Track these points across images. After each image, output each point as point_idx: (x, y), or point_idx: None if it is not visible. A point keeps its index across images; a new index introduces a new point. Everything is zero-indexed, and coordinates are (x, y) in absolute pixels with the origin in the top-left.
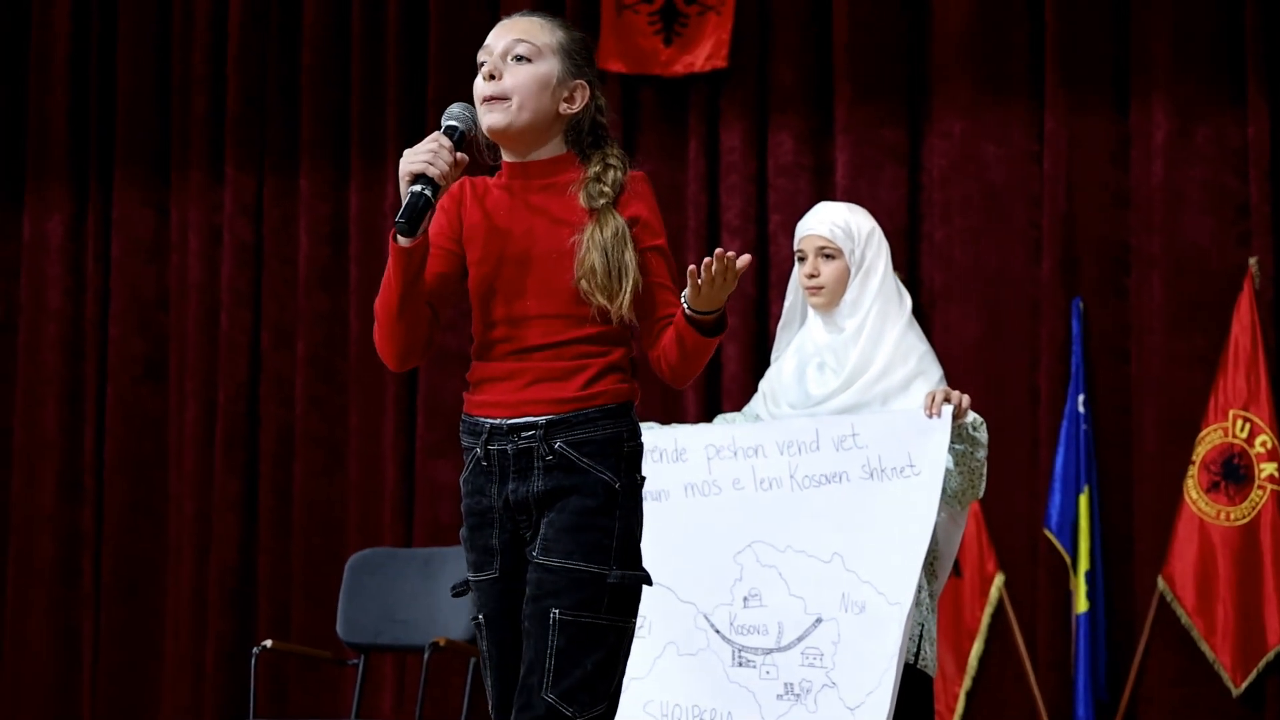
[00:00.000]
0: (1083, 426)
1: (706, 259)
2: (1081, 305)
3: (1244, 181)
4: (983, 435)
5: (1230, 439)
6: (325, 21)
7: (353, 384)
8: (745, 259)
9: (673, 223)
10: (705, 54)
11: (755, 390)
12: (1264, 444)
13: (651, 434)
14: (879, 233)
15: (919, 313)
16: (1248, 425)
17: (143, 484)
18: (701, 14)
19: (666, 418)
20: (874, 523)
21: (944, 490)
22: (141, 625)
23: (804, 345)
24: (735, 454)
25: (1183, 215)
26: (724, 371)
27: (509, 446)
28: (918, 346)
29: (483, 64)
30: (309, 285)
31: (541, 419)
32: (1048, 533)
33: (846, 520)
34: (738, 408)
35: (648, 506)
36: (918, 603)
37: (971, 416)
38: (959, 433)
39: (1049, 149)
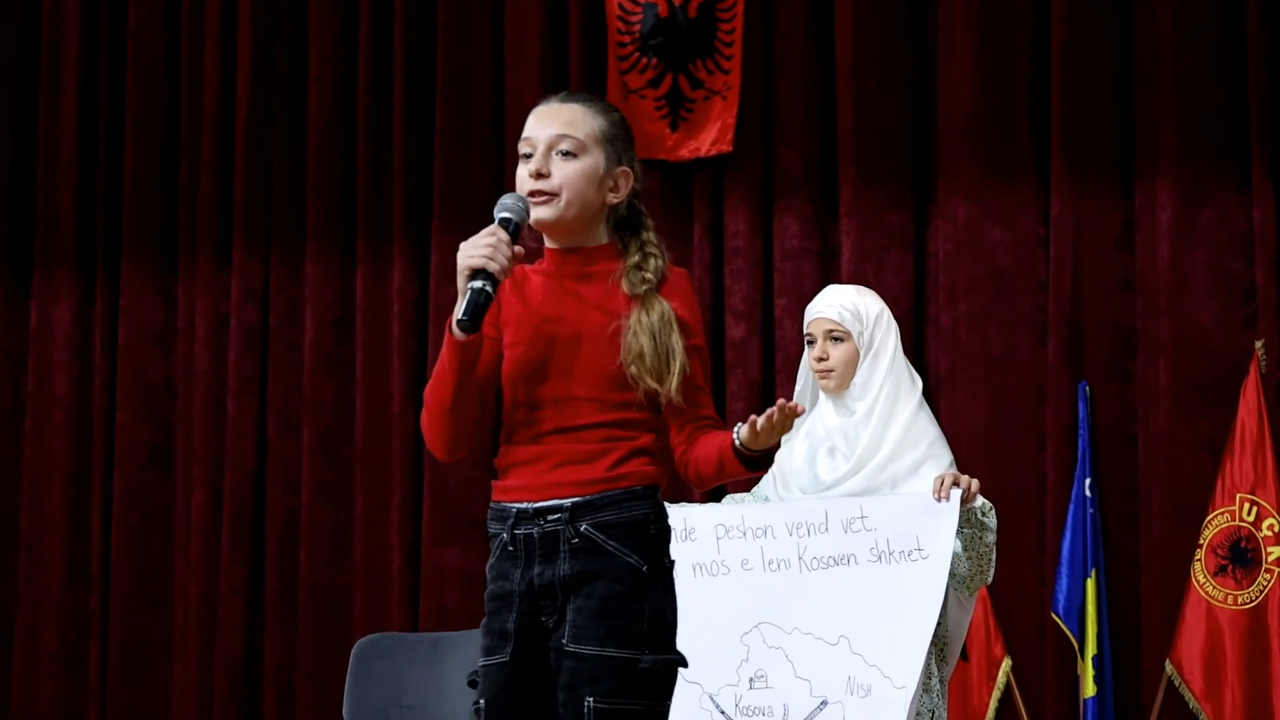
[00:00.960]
0: (1089, 510)
1: (770, 409)
2: (1088, 388)
3: (1249, 265)
4: (992, 520)
5: (1237, 522)
6: (331, 107)
7: (358, 470)
8: (801, 407)
9: None
10: (711, 139)
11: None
12: (1271, 527)
13: None
14: (888, 314)
15: (925, 397)
16: (1255, 508)
17: (149, 570)
18: (707, 99)
19: (675, 497)
20: (881, 605)
21: (953, 575)
22: (147, 711)
23: (814, 429)
24: (744, 534)
25: (1188, 298)
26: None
27: (535, 530)
28: (928, 431)
29: (526, 156)
30: (315, 371)
31: (568, 501)
32: (1055, 617)
33: (854, 603)
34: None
35: None
36: (928, 689)
37: (980, 501)
38: (968, 517)
39: (1054, 232)
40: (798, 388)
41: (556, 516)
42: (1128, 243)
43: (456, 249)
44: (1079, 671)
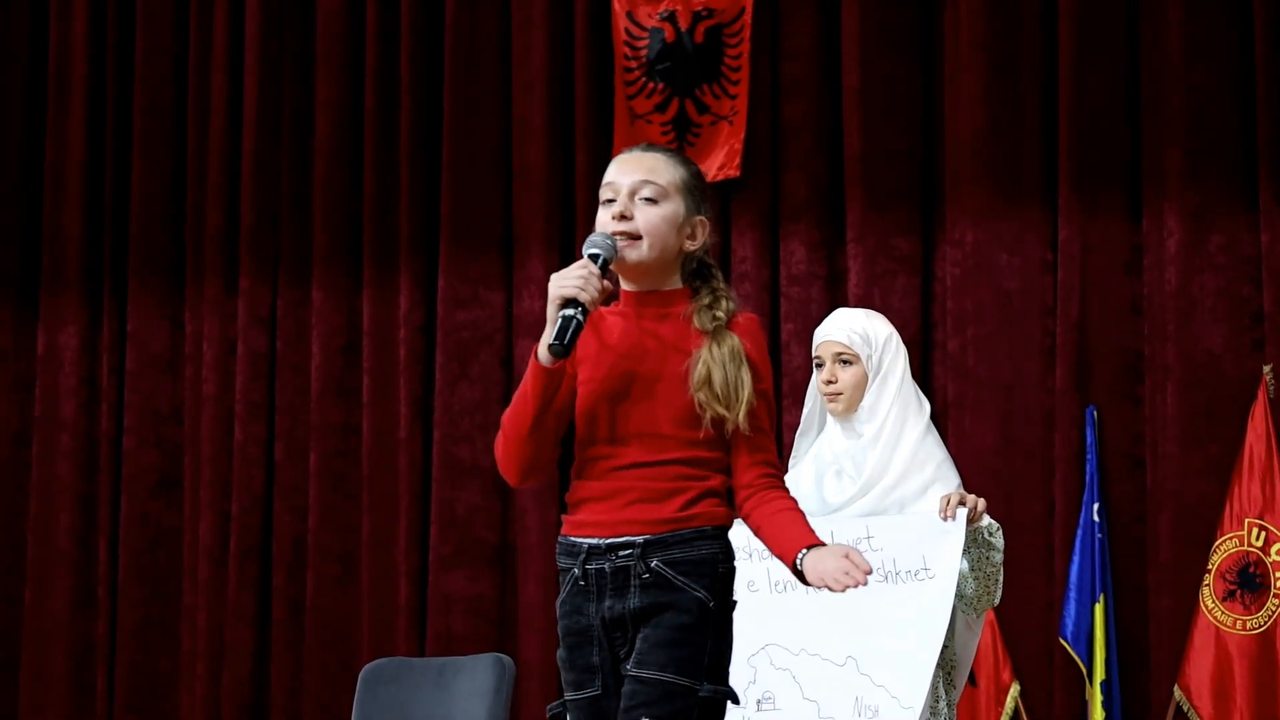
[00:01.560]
0: (1098, 535)
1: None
2: (1096, 413)
3: (1257, 289)
4: (998, 540)
5: (1246, 547)
6: (337, 133)
7: (365, 495)
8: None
9: None
10: (718, 163)
11: None
12: None
13: None
14: (896, 338)
15: (933, 420)
16: (1263, 533)
17: (156, 596)
18: (714, 124)
19: None
20: (888, 626)
21: (960, 596)
22: None
23: (822, 453)
24: (750, 556)
25: (1196, 323)
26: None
27: (606, 565)
28: (935, 453)
29: (609, 200)
30: (322, 396)
31: (639, 539)
32: (1063, 642)
33: (861, 623)
34: None
35: None
36: (935, 712)
37: (987, 520)
38: (974, 537)
39: (1062, 257)
40: (805, 410)
41: (628, 552)
42: (1135, 267)
43: (461, 275)
44: (1087, 697)
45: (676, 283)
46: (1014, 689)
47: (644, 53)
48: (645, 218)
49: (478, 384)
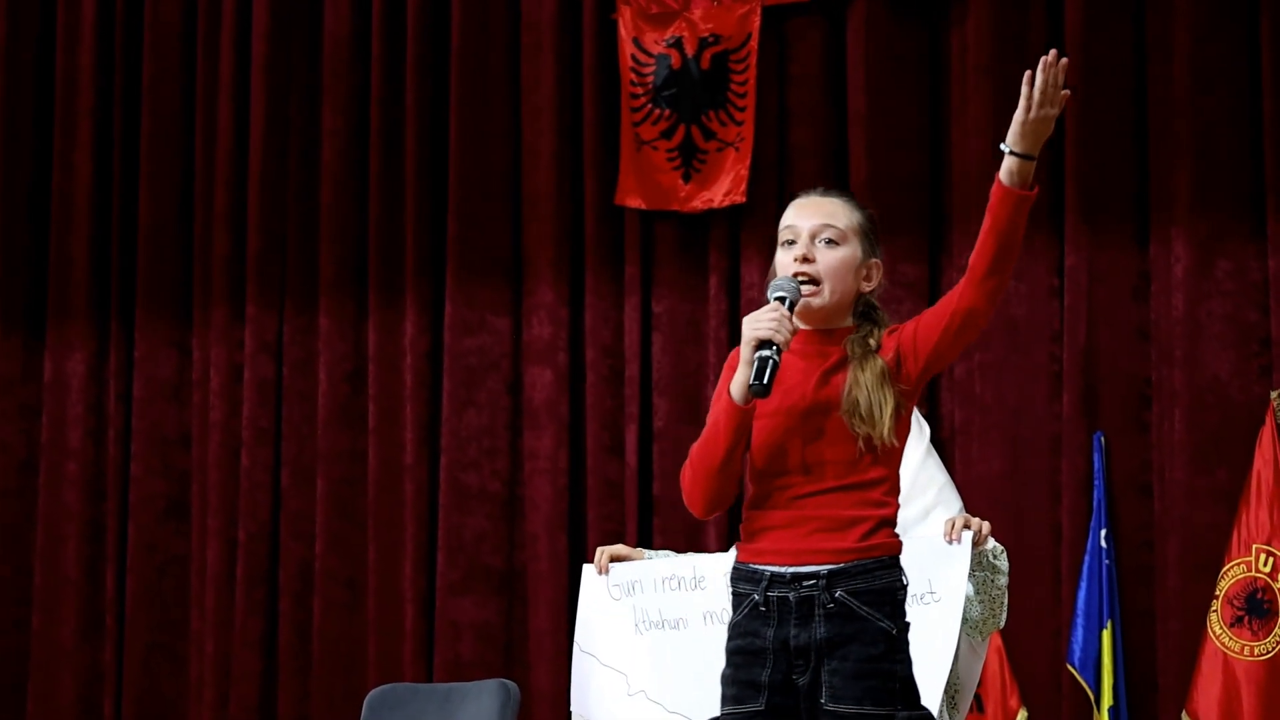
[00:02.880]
0: (1105, 561)
1: (1028, 72)
2: (1103, 439)
3: (1265, 315)
4: (1003, 563)
5: (1254, 573)
6: (344, 160)
7: (372, 521)
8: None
9: (693, 359)
10: (724, 190)
11: None
12: None
13: (669, 562)
14: None
15: (940, 448)
16: (1271, 559)
17: (164, 623)
18: (720, 150)
19: (687, 546)
20: None
21: (965, 619)
22: None
23: None
24: None
25: (1204, 349)
26: (742, 502)
27: (790, 594)
28: (937, 477)
29: (789, 242)
30: (328, 423)
31: (824, 569)
32: (1071, 668)
33: None
34: None
35: (665, 635)
36: None
37: (992, 544)
38: (980, 560)
39: (1069, 283)
40: None
41: (812, 582)
42: (1143, 293)
43: (468, 301)
44: None
45: (849, 321)
46: (1021, 715)
47: (650, 79)
48: (826, 261)
49: (485, 410)
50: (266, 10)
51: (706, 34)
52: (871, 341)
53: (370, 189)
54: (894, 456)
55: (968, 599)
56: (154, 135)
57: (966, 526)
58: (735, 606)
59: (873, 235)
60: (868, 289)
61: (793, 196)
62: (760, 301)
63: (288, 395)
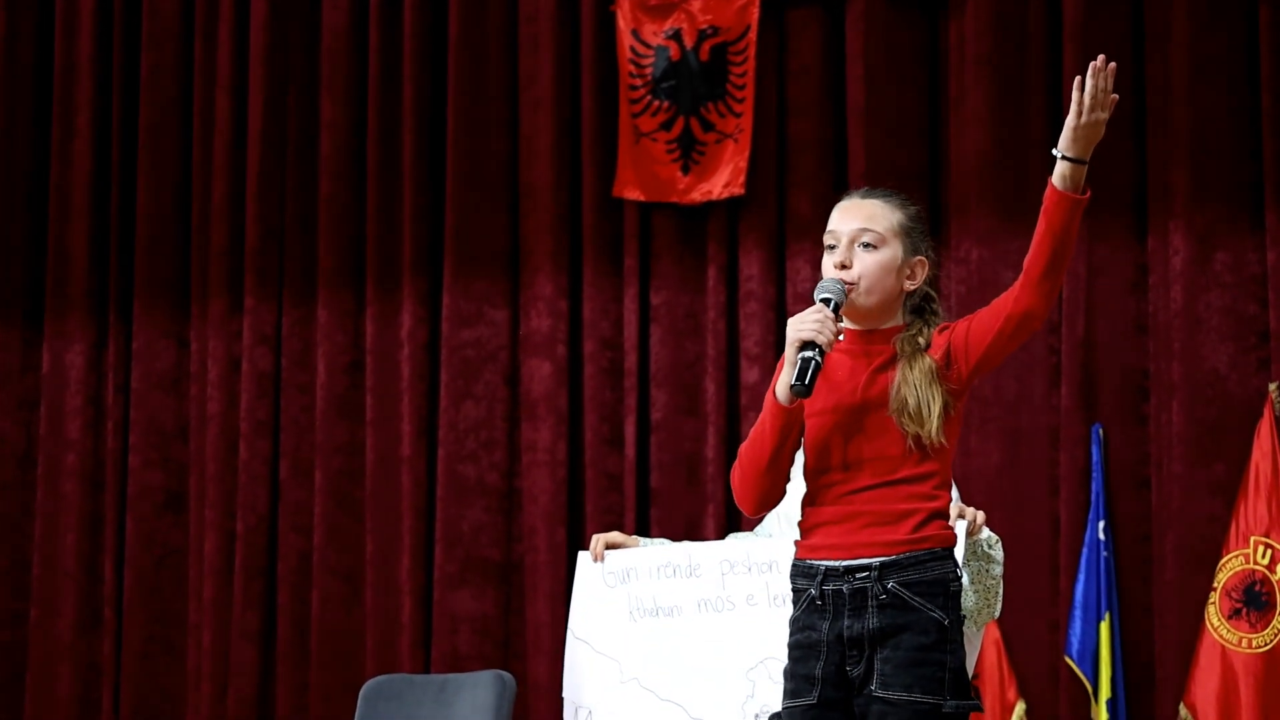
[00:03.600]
0: (1103, 554)
1: (1078, 77)
2: (1101, 432)
3: (1263, 307)
4: (998, 552)
5: (1252, 565)
6: (342, 152)
7: (370, 513)
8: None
9: (692, 350)
10: (723, 182)
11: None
12: None
13: (664, 550)
14: None
15: None
16: (1269, 551)
17: (162, 615)
18: (719, 142)
19: (686, 539)
20: None
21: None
22: None
23: None
24: (750, 569)
25: (1202, 341)
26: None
27: (844, 586)
28: None
29: (831, 247)
30: (326, 415)
31: (875, 561)
32: (1069, 660)
33: None
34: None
35: (659, 623)
36: None
37: (986, 533)
38: (974, 549)
39: (1068, 275)
40: None
41: (865, 575)
42: (1141, 286)
43: (466, 293)
44: (1093, 715)
45: (899, 319)
46: (1019, 708)
47: (649, 71)
48: (863, 265)
49: (482, 402)
50: (265, 2)
51: (705, 26)
52: (921, 340)
53: (368, 181)
54: (945, 452)
55: (963, 589)
56: (152, 127)
57: (961, 516)
58: (795, 602)
59: (916, 234)
60: (911, 287)
61: (837, 198)
62: (759, 295)
63: (286, 387)
